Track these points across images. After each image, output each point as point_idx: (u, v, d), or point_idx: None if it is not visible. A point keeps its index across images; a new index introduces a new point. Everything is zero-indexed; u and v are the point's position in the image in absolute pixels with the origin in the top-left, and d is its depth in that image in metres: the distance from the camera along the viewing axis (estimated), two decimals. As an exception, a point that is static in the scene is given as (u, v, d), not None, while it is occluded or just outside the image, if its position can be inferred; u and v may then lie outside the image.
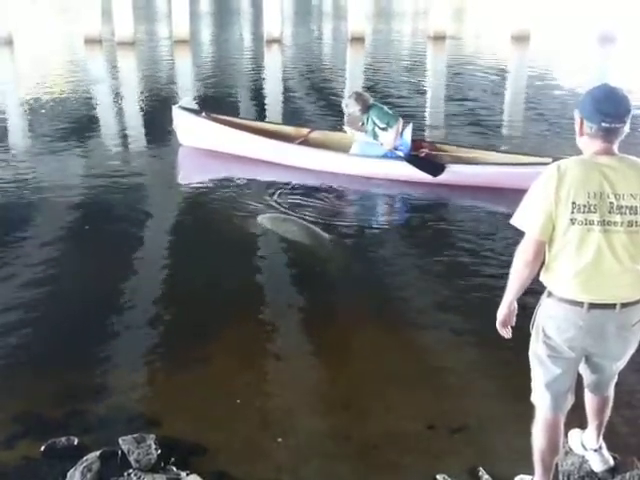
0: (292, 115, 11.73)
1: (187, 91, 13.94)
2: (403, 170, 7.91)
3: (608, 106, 2.69)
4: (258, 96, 14.07)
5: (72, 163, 8.89)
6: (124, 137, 10.52)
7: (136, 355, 4.61)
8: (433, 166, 7.85)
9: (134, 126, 11.29)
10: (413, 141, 8.20)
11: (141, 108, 12.47)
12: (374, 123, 8.07)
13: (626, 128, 2.71)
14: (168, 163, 9.04)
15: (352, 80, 15.73)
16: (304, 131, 8.96)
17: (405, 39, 22.76)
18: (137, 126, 11.31)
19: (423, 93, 14.08)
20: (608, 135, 2.70)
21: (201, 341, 4.71)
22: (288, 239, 6.45)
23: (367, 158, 8.15)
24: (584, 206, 2.66)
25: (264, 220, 6.79)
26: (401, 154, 8.00)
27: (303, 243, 6.36)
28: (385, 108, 8.29)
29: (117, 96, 13.73)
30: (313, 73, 16.22)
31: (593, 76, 14.19)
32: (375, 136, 8.12)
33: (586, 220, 2.67)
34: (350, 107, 8.25)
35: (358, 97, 8.27)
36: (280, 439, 3.75)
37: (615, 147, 2.75)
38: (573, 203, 2.67)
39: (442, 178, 7.75)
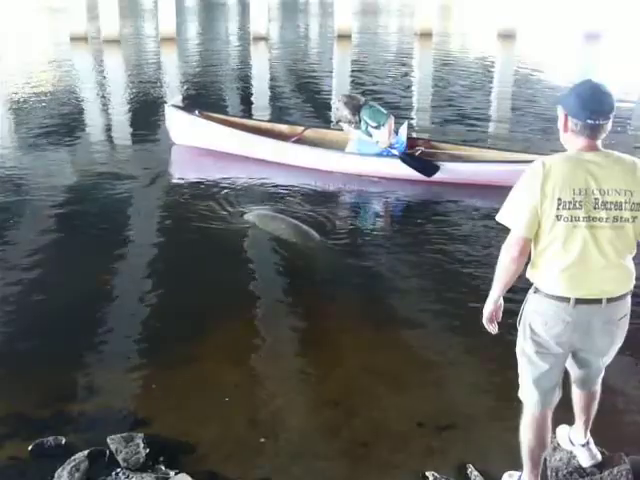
0: (280, 113, 11.71)
1: (174, 89, 13.88)
2: (398, 168, 7.89)
3: (593, 103, 2.70)
4: (245, 94, 14.03)
5: (58, 161, 8.84)
6: (112, 136, 10.49)
7: (124, 354, 4.59)
8: (427, 166, 7.82)
9: (121, 124, 11.24)
10: (408, 139, 8.19)
11: (128, 106, 12.41)
12: (366, 123, 8.06)
13: (610, 124, 2.72)
14: (158, 161, 8.96)
15: (339, 77, 15.75)
16: (299, 129, 8.93)
17: (392, 36, 22.80)
18: (125, 124, 11.26)
19: (410, 90, 14.11)
20: (593, 132, 2.71)
21: (189, 340, 4.69)
22: (276, 237, 6.44)
23: (362, 156, 8.13)
24: (569, 202, 2.67)
25: (252, 217, 6.78)
26: (396, 152, 7.98)
27: (291, 241, 6.35)
28: (376, 107, 8.26)
29: (104, 94, 13.66)
30: (300, 71, 16.20)
31: (579, 73, 14.27)
32: (369, 136, 8.10)
33: (572, 216, 2.68)
34: (340, 110, 8.23)
35: (348, 100, 8.24)
36: (263, 439, 3.74)
37: (599, 143, 2.76)
38: (559, 199, 2.67)
39: (438, 176, 7.74)
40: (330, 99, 13.07)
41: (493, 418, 3.88)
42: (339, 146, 8.40)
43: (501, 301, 2.97)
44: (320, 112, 11.77)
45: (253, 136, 8.58)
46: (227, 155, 8.70)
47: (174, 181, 8.33)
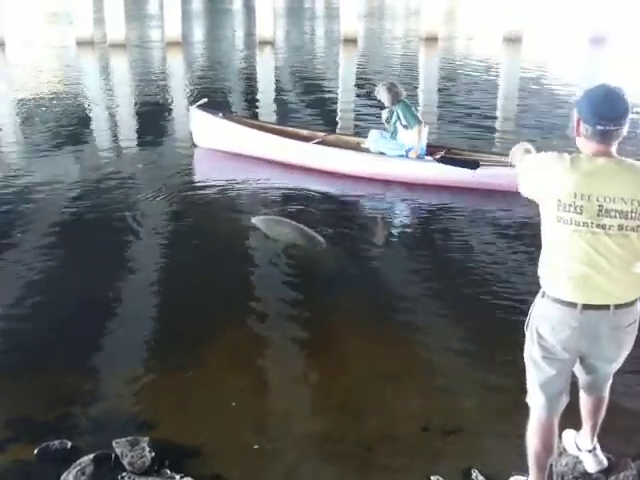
0: (286, 117, 11.70)
1: (181, 93, 13.94)
2: (419, 171, 7.92)
3: (604, 109, 2.66)
4: (251, 98, 14.03)
5: (67, 166, 8.87)
6: (123, 140, 10.47)
7: (130, 358, 4.60)
8: (468, 162, 7.85)
9: (132, 128, 11.32)
10: (428, 146, 8.19)
11: (137, 111, 12.44)
12: (398, 118, 8.08)
13: (623, 130, 2.68)
14: (173, 165, 8.97)
15: (345, 81, 15.77)
16: (320, 134, 9.02)
17: (397, 40, 22.77)
18: (135, 129, 11.33)
19: (415, 94, 14.08)
20: (603, 137, 2.68)
21: (195, 344, 4.69)
22: (282, 241, 6.44)
23: (383, 158, 8.15)
24: (569, 205, 2.65)
25: (258, 222, 6.78)
26: (429, 158, 7.99)
27: (297, 245, 6.35)
28: (412, 109, 8.31)
29: (112, 99, 13.69)
30: (306, 75, 16.21)
31: (584, 76, 14.24)
32: (395, 131, 8.13)
33: (572, 220, 2.66)
34: (380, 93, 8.22)
35: (391, 87, 8.20)
36: (257, 446, 3.72)
37: (613, 148, 2.71)
38: (559, 201, 2.66)
39: (457, 180, 7.72)
40: (336, 103, 13.11)
41: (499, 423, 3.86)
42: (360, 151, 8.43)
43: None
44: (326, 116, 11.78)
45: (274, 137, 8.65)
46: (248, 158, 8.78)
47: (189, 184, 8.26)
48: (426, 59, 18.87)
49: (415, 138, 8.01)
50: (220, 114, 9.24)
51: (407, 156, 8.03)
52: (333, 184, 8.04)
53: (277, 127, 9.28)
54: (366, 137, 8.48)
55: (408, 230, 7.29)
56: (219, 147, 9.06)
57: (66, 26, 21.55)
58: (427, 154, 8.12)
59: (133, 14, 24.23)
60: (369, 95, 12.09)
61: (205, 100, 9.51)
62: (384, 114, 8.35)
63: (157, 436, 3.71)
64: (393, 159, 8.10)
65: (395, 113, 8.12)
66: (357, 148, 8.45)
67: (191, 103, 10.09)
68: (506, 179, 7.19)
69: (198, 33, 24.88)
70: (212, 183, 8.16)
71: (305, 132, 9.14)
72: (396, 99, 8.13)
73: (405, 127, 8.04)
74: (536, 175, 2.79)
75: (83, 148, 9.78)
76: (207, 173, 8.83)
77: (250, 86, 15.32)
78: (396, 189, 7.96)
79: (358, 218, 7.43)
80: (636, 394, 4.12)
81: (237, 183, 8.10)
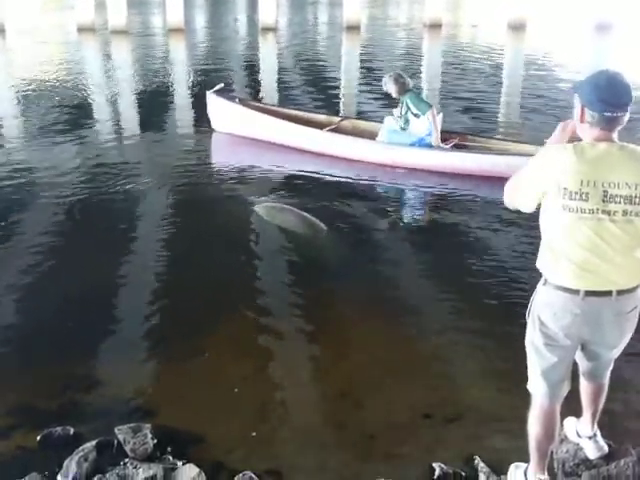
0: (290, 104, 11.65)
1: (185, 80, 13.90)
2: (430, 159, 7.92)
3: (610, 95, 2.65)
4: (255, 85, 14.00)
5: (70, 153, 8.85)
6: (126, 126, 10.48)
7: (133, 345, 4.60)
8: None
9: (133, 114, 11.30)
10: (442, 132, 8.16)
11: (138, 97, 12.41)
12: (408, 108, 8.07)
13: (627, 116, 2.68)
14: (179, 150, 9.01)
15: (348, 68, 15.72)
16: (335, 119, 9.10)
17: (401, 27, 22.69)
18: (135, 114, 11.31)
19: (419, 82, 14.04)
20: (609, 124, 2.67)
21: (198, 331, 4.70)
22: (284, 229, 6.44)
23: (394, 146, 8.15)
24: (576, 193, 2.64)
25: (261, 210, 6.78)
26: (441, 145, 7.98)
27: (299, 233, 6.35)
28: (421, 96, 8.29)
29: (113, 85, 13.65)
30: (309, 62, 16.15)
31: (590, 63, 14.19)
32: (406, 121, 8.13)
33: (578, 208, 2.64)
34: (388, 85, 8.21)
35: (397, 78, 8.18)
36: (257, 433, 3.73)
37: (615, 135, 2.71)
38: (565, 189, 2.64)
39: (470, 168, 7.71)
40: (339, 90, 13.07)
41: (500, 410, 3.87)
42: (373, 137, 8.43)
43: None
44: (329, 103, 11.74)
45: (288, 124, 8.69)
46: (262, 143, 8.82)
47: (198, 170, 8.20)
48: (430, 46, 18.79)
49: (428, 124, 7.96)
50: (237, 99, 9.36)
51: (426, 142, 8.01)
52: (345, 171, 8.05)
53: (293, 113, 9.31)
54: (381, 122, 8.48)
55: (414, 219, 7.29)
56: (236, 132, 9.14)
57: (67, 12, 21.47)
58: (441, 139, 8.09)
59: (135, 0, 24.13)
60: (373, 82, 12.08)
61: (221, 85, 9.55)
62: (396, 112, 8.29)
63: (159, 423, 3.72)
64: (400, 147, 8.08)
65: (405, 103, 8.09)
66: (371, 135, 8.45)
67: (202, 89, 10.08)
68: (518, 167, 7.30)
69: (200, 19, 24.81)
70: (222, 168, 8.22)
71: (321, 117, 9.22)
72: (403, 89, 8.10)
73: (416, 116, 8.03)
74: (540, 174, 2.73)
75: (86, 135, 9.74)
76: (219, 158, 8.91)
77: (253, 73, 15.28)
78: (407, 177, 7.94)
79: (365, 206, 7.38)
80: (636, 381, 4.13)
81: (249, 168, 8.13)
